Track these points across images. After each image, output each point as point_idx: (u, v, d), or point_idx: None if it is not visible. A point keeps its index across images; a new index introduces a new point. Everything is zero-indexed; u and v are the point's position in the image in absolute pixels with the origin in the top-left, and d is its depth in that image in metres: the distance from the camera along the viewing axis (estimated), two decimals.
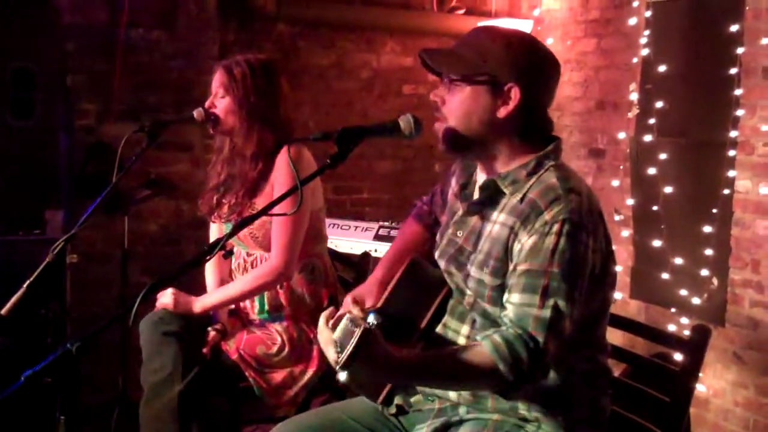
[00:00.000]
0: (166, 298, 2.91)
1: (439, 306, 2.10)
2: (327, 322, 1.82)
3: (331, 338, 1.76)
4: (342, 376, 1.77)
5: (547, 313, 1.82)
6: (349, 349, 1.67)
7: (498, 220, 1.95)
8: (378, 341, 1.75)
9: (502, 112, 1.93)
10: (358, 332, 1.67)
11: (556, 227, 1.83)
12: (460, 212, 2.09)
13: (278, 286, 2.96)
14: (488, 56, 1.92)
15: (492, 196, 1.98)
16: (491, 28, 2.05)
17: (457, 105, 1.95)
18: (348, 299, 2.25)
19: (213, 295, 2.99)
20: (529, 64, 1.94)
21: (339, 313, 1.83)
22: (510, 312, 1.87)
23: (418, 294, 2.14)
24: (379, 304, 2.17)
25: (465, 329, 2.04)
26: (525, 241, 1.86)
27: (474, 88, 1.93)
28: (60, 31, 4.25)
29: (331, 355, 1.78)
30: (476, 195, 2.07)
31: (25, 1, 4.27)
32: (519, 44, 1.95)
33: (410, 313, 2.10)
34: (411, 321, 2.08)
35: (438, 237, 2.19)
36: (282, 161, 2.87)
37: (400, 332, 2.02)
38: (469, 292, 2.00)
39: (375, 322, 1.72)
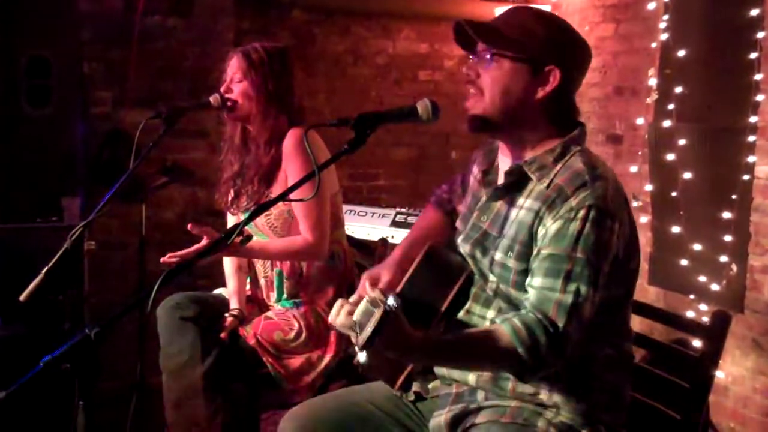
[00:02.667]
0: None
1: (458, 291, 2.09)
2: (342, 305, 1.81)
3: (350, 321, 1.75)
4: (362, 356, 1.76)
5: (569, 298, 1.82)
6: (369, 329, 1.66)
7: (524, 206, 1.94)
8: (399, 322, 1.74)
9: (540, 93, 1.93)
10: (378, 313, 1.66)
11: (582, 213, 1.82)
12: (484, 198, 2.08)
13: (298, 274, 2.96)
14: (531, 35, 1.92)
15: (518, 181, 1.97)
16: (531, 9, 2.04)
17: (496, 80, 1.94)
18: (364, 278, 2.24)
19: (256, 246, 2.90)
20: (570, 48, 1.96)
21: (356, 295, 1.82)
22: (531, 295, 1.86)
23: (437, 279, 2.13)
24: (398, 290, 2.16)
25: (491, 314, 2.03)
26: (550, 226, 1.86)
27: (515, 65, 1.92)
28: (76, 19, 4.25)
29: (351, 337, 1.77)
30: (500, 180, 2.05)
31: None
32: (560, 28, 1.96)
33: (429, 298, 2.09)
34: (430, 306, 2.07)
35: (459, 223, 2.18)
36: (289, 145, 2.87)
37: (419, 317, 2.01)
38: (492, 277, 2.00)
39: (395, 304, 1.71)
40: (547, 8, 5.16)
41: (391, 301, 1.71)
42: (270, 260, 3.00)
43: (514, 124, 1.97)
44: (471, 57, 2.01)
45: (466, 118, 1.99)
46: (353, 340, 1.75)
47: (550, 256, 1.85)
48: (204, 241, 2.75)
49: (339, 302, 1.82)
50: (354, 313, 1.75)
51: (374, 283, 2.22)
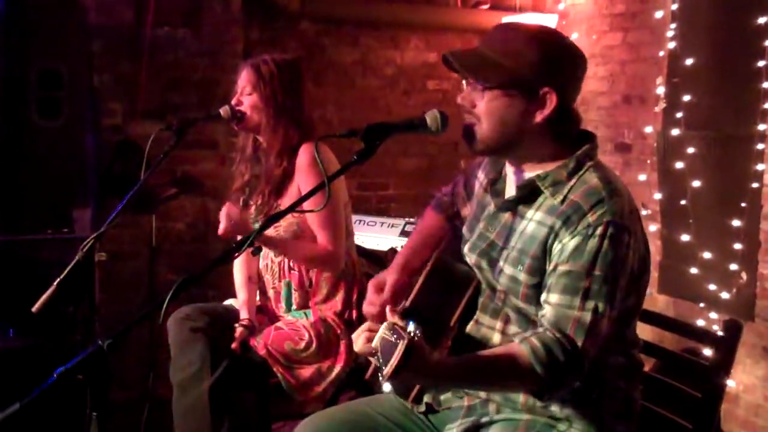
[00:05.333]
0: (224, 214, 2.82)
1: (468, 303, 2.09)
2: (362, 332, 1.81)
3: (369, 348, 1.75)
4: (386, 387, 1.76)
5: (587, 316, 1.81)
6: (395, 362, 1.65)
7: (534, 218, 1.93)
8: (422, 350, 1.72)
9: (538, 117, 1.90)
10: (402, 345, 1.65)
11: (600, 230, 1.81)
12: (492, 208, 2.07)
13: (307, 284, 2.97)
14: (521, 60, 1.88)
15: (529, 194, 1.96)
16: (519, 27, 1.99)
17: (491, 111, 1.91)
18: (370, 286, 2.24)
19: (279, 238, 2.95)
20: (563, 66, 1.91)
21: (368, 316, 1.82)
22: (548, 313, 1.85)
23: (446, 291, 2.13)
24: (407, 303, 2.16)
25: (499, 325, 2.03)
26: (567, 242, 1.84)
27: (508, 95, 1.89)
28: (86, 31, 4.27)
29: (373, 362, 1.77)
30: (509, 192, 2.04)
31: (52, 2, 4.30)
32: (551, 45, 1.90)
33: (439, 311, 2.09)
34: (440, 319, 2.07)
35: (466, 230, 2.17)
36: (303, 162, 2.88)
37: (429, 330, 2.02)
38: (500, 287, 1.99)
39: (418, 332, 1.70)
40: (554, 18, 5.18)
41: (411, 327, 1.71)
42: (278, 275, 3.01)
43: (515, 148, 1.96)
44: (464, 82, 1.98)
45: (465, 141, 1.97)
46: (376, 364, 1.74)
47: (567, 273, 1.83)
48: (223, 222, 2.78)
49: (361, 327, 1.82)
50: (372, 340, 1.74)
51: (380, 289, 2.22)
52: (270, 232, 2.89)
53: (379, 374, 1.70)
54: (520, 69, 1.88)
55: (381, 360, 1.70)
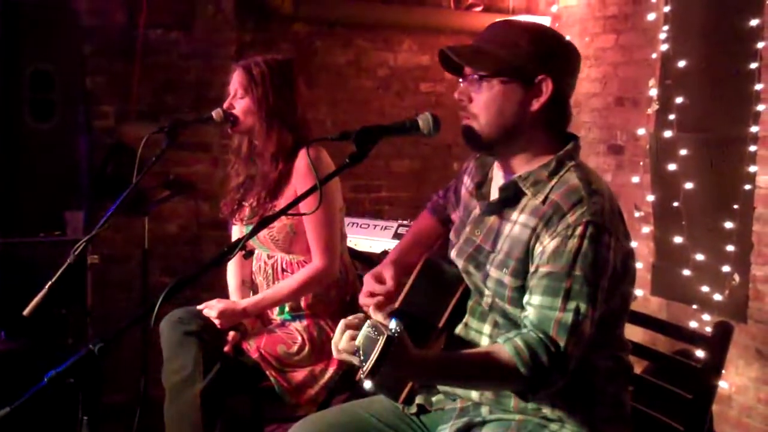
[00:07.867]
0: (213, 311, 2.89)
1: (457, 304, 2.09)
2: (345, 329, 1.81)
3: (353, 346, 1.75)
4: (367, 384, 1.76)
5: (569, 316, 1.82)
6: (374, 358, 1.65)
7: (518, 221, 1.93)
8: (402, 347, 1.72)
9: (535, 105, 1.92)
10: (381, 340, 1.66)
11: (579, 230, 1.82)
12: (477, 211, 2.08)
13: None
14: (516, 50, 1.91)
15: (512, 196, 1.97)
16: (512, 22, 2.02)
17: (488, 102, 1.93)
18: (367, 278, 2.23)
19: (261, 297, 2.97)
20: (557, 54, 1.94)
21: (354, 318, 1.82)
22: (530, 314, 1.86)
23: (436, 292, 2.13)
24: (396, 304, 2.16)
25: (487, 329, 2.03)
26: (547, 244, 1.85)
27: (505, 83, 1.92)
28: (79, 33, 4.27)
29: (354, 362, 1.76)
30: (494, 195, 2.05)
31: (44, 4, 4.29)
32: (544, 36, 1.95)
33: (428, 312, 2.09)
34: (429, 320, 2.07)
35: (453, 235, 2.18)
36: (301, 166, 2.87)
37: (418, 331, 2.02)
38: (487, 292, 1.99)
39: (398, 329, 1.71)
40: (546, 20, 5.20)
41: (393, 325, 1.71)
42: (272, 277, 3.00)
43: (512, 140, 1.96)
44: (460, 81, 2.00)
45: (465, 140, 1.98)
46: (356, 363, 1.74)
47: (548, 274, 1.84)
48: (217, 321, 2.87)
49: (341, 325, 1.80)
50: (356, 338, 1.74)
51: (379, 280, 2.20)
52: (263, 232, 2.88)
53: (360, 372, 1.70)
54: (516, 58, 1.91)
55: (362, 357, 1.70)
